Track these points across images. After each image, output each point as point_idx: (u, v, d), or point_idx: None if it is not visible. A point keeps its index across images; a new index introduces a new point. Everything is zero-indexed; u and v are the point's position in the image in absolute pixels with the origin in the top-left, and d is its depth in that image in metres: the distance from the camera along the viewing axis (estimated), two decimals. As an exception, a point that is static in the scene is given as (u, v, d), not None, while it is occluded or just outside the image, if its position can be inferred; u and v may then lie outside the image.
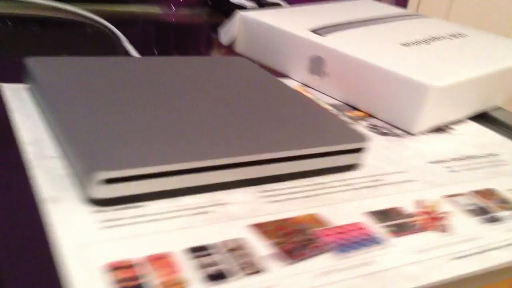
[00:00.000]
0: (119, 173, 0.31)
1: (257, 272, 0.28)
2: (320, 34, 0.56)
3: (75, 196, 0.32)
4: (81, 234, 0.29)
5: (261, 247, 0.30)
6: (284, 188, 0.36)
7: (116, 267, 0.27)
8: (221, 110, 0.41)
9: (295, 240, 0.31)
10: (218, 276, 0.27)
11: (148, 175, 0.32)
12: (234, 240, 0.30)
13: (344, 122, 0.41)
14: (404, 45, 0.55)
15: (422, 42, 0.56)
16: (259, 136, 0.38)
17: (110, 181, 0.31)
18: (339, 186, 0.38)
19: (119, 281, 0.26)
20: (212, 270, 0.28)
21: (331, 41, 0.54)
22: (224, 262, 0.28)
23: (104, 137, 0.35)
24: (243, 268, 0.28)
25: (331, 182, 0.38)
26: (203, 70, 0.49)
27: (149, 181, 0.32)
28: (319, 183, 0.37)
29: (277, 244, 0.31)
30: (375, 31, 0.59)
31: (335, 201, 0.36)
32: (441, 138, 0.48)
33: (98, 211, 0.31)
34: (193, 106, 0.40)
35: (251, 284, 0.27)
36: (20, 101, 0.44)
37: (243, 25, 0.63)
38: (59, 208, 0.31)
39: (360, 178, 0.39)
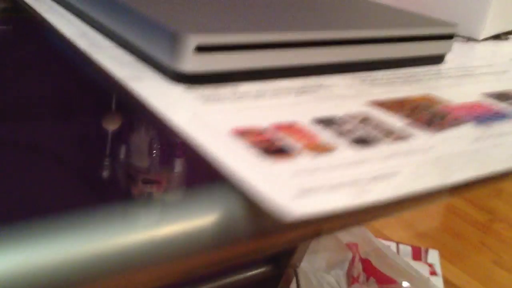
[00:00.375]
0: (211, 38, 0.25)
1: (404, 137, 0.23)
2: None
3: (157, 76, 0.27)
4: (186, 106, 0.23)
5: (393, 119, 0.25)
6: (381, 77, 0.31)
7: (244, 132, 0.22)
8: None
9: (427, 112, 0.27)
10: (364, 141, 0.22)
11: (240, 46, 0.26)
12: (360, 113, 0.25)
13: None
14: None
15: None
16: (353, 16, 0.33)
17: (201, 49, 0.25)
18: (437, 74, 0.33)
19: (255, 143, 0.21)
20: (354, 136, 0.23)
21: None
22: (361, 130, 0.23)
23: (183, 11, 0.29)
24: (387, 135, 0.23)
25: (426, 71, 0.34)
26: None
27: (240, 55, 0.27)
28: (414, 72, 0.33)
29: (409, 116, 0.26)
30: None
31: (442, 85, 0.31)
32: (506, 44, 0.45)
33: (190, 88, 0.26)
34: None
35: (404, 148, 0.22)
36: (46, 5, 0.37)
37: None
38: (145, 85, 0.25)
39: (453, 68, 0.35)
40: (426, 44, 0.34)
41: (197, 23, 0.27)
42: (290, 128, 0.23)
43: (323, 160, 0.20)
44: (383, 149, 0.22)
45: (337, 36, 0.29)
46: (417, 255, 1.34)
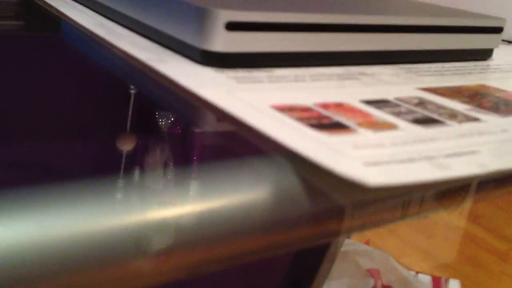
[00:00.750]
0: (244, 15, 0.22)
1: (471, 120, 0.20)
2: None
3: (182, 59, 0.24)
4: (219, 85, 0.20)
5: (453, 104, 0.22)
6: (427, 69, 0.28)
7: (288, 108, 0.19)
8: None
9: (489, 99, 0.23)
10: (427, 121, 0.19)
11: (275, 26, 0.23)
12: (414, 97, 0.22)
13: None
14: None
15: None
16: (398, 4, 0.30)
17: (232, 27, 0.22)
18: (487, 68, 0.30)
19: (302, 118, 0.18)
20: (415, 116, 0.20)
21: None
22: (420, 112, 0.20)
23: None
24: (450, 117, 0.20)
25: (474, 65, 0.30)
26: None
27: (275, 37, 0.24)
28: (462, 67, 0.30)
29: (469, 102, 0.23)
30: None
31: (495, 77, 0.28)
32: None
33: (220, 71, 0.23)
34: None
35: (476, 129, 0.19)
36: (63, 1, 0.35)
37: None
38: (172, 66, 0.22)
39: (502, 64, 0.32)
40: (475, 37, 0.31)
41: (227, 0, 0.24)
42: (339, 107, 0.20)
43: (386, 135, 0.17)
44: (452, 129, 0.19)
45: (381, 21, 0.26)
46: (438, 285, 1.28)
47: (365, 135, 0.17)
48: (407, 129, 0.18)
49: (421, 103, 0.22)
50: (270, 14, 0.23)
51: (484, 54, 0.32)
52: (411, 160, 0.15)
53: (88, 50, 0.28)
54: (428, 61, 0.30)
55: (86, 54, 0.25)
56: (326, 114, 0.19)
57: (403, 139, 0.17)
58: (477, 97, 0.24)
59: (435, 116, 0.20)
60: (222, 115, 0.18)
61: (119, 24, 0.30)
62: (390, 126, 0.18)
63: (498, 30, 0.32)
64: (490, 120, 0.20)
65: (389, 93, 0.22)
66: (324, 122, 0.18)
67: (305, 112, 0.18)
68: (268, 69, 0.24)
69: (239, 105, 0.18)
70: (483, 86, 0.26)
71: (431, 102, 0.22)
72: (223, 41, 0.23)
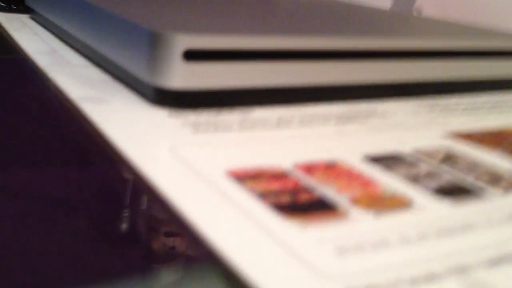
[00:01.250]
0: (207, 40, 0.17)
1: (522, 187, 0.14)
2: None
3: (134, 98, 0.18)
4: (164, 138, 0.15)
5: (492, 158, 0.16)
6: (455, 104, 0.22)
7: (260, 175, 0.13)
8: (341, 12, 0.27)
9: (541, 148, 0.17)
10: (456, 191, 0.13)
11: (250, 54, 0.18)
12: (439, 148, 0.16)
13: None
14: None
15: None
16: (413, 26, 0.24)
17: (192, 56, 0.17)
18: (532, 101, 0.24)
19: (271, 193, 0.12)
20: (439, 183, 0.14)
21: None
22: (448, 174, 0.14)
23: (168, 12, 0.21)
24: (492, 182, 0.14)
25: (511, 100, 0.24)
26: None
27: (252, 67, 0.18)
28: (500, 100, 0.24)
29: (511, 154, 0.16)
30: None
31: (544, 115, 0.22)
32: None
33: (176, 113, 0.17)
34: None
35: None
36: (22, 24, 0.30)
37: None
38: (110, 108, 0.17)
39: (551, 95, 0.26)
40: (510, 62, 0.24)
41: (187, 23, 0.19)
42: (330, 169, 0.14)
43: (394, 223, 0.11)
44: (495, 205, 0.13)
45: (395, 45, 0.21)
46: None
47: (360, 222, 0.11)
48: (427, 208, 0.12)
49: (449, 157, 0.16)
50: (244, 39, 0.17)
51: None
52: (432, 277, 0.09)
53: (33, 80, 0.23)
54: (457, 94, 0.24)
55: (31, 83, 0.20)
56: (307, 183, 0.13)
57: (420, 230, 0.11)
58: (525, 146, 0.18)
59: (469, 181, 0.14)
60: (146, 188, 0.12)
61: (76, 50, 0.24)
62: (403, 204, 0.12)
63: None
64: (548, 186, 0.14)
65: (405, 143, 0.16)
66: (300, 200, 0.12)
67: (277, 180, 0.13)
68: (244, 109, 0.18)
69: (176, 172, 0.12)
70: (530, 128, 0.20)
71: (463, 156, 0.16)
72: (181, 75, 0.17)
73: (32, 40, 0.26)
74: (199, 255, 0.10)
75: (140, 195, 0.12)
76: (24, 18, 0.32)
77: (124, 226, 0.12)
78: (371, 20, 0.26)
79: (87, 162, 0.15)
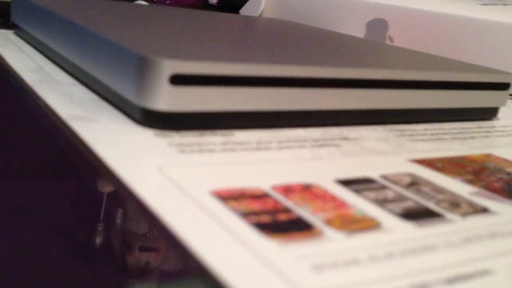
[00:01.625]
0: (192, 66, 0.18)
1: (479, 211, 0.15)
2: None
3: (121, 118, 0.19)
4: (151, 158, 0.16)
5: (454, 185, 0.17)
6: (422, 131, 0.24)
7: (234, 196, 0.14)
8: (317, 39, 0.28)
9: (500, 177, 0.19)
10: (419, 215, 0.14)
11: (232, 80, 0.19)
12: (405, 174, 0.18)
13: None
14: (483, 4, 0.44)
15: (498, 4, 0.46)
16: (386, 56, 0.26)
17: (179, 81, 0.18)
18: (492, 131, 0.26)
19: (253, 212, 0.13)
20: (404, 206, 0.15)
21: (394, 1, 0.44)
22: (411, 199, 0.15)
23: (157, 37, 0.22)
24: (452, 207, 0.15)
25: (477, 127, 0.26)
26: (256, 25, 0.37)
27: (234, 92, 0.19)
28: (463, 128, 0.25)
29: (474, 181, 0.18)
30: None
31: (503, 144, 0.23)
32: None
33: (162, 134, 0.18)
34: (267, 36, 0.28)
35: (487, 229, 0.14)
36: (7, 40, 0.31)
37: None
38: (99, 128, 0.18)
39: (510, 126, 0.27)
40: (478, 93, 0.26)
41: (174, 48, 0.20)
42: (306, 191, 0.15)
43: (363, 242, 0.12)
44: (455, 228, 0.14)
45: (368, 75, 0.22)
46: None
47: (334, 241, 0.12)
48: (393, 229, 0.13)
49: (414, 183, 0.17)
50: (227, 65, 0.19)
51: (488, 113, 0.28)
52: (396, 291, 0.10)
53: (19, 97, 0.24)
54: (424, 122, 0.25)
55: (18, 100, 0.20)
56: (285, 204, 0.14)
57: (387, 250, 0.12)
58: (484, 173, 0.19)
59: (431, 205, 0.15)
60: (137, 205, 0.13)
61: (63, 69, 0.25)
62: (371, 225, 0.13)
63: (505, 86, 0.27)
64: (503, 211, 0.16)
65: (374, 168, 0.18)
66: (280, 219, 0.13)
67: (258, 201, 0.14)
68: (226, 132, 0.19)
69: (165, 191, 0.13)
70: (489, 156, 0.21)
71: (426, 182, 0.17)
72: (168, 98, 0.18)
73: (18, 56, 0.26)
74: (173, 270, 0.11)
75: (115, 209, 0.13)
76: (9, 34, 0.32)
77: (98, 240, 0.12)
78: (347, 49, 0.27)
79: (62, 175, 0.15)
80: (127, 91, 0.19)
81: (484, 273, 0.12)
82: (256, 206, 0.13)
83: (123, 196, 0.14)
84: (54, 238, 0.11)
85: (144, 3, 0.48)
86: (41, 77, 0.23)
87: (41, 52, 0.28)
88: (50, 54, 0.27)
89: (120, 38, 0.20)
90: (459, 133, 0.24)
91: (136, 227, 0.12)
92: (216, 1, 0.71)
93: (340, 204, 0.14)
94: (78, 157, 0.16)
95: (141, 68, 0.18)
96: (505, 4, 0.47)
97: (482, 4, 0.45)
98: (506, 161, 0.21)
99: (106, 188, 0.14)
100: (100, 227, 0.12)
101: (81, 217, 0.13)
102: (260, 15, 0.53)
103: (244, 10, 0.55)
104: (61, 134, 0.17)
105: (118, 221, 0.13)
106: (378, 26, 0.44)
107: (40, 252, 0.11)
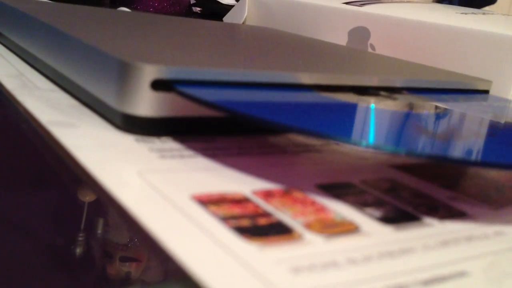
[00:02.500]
0: (175, 71, 0.18)
1: (456, 216, 0.16)
2: (357, 6, 0.46)
3: (101, 123, 0.19)
4: (130, 162, 0.16)
5: (431, 189, 0.18)
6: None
7: (214, 200, 0.14)
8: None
9: (474, 182, 0.19)
10: (398, 219, 0.15)
11: (215, 85, 0.19)
12: (384, 179, 0.18)
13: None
14: (463, 13, 0.45)
15: (477, 13, 0.47)
16: (363, 63, 0.26)
17: (160, 86, 0.18)
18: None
19: (232, 217, 0.13)
20: (383, 210, 0.15)
21: (375, 10, 0.44)
22: (390, 203, 0.16)
23: (139, 41, 0.22)
24: (430, 211, 0.16)
25: (456, 133, 0.26)
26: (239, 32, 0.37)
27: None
28: (442, 134, 0.26)
29: (451, 187, 0.18)
30: (419, 6, 0.49)
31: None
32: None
33: (143, 140, 0.18)
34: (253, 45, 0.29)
35: (463, 233, 0.15)
36: (-14, 44, 0.30)
37: (256, 7, 0.52)
38: (79, 133, 0.18)
39: (488, 132, 0.28)
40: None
41: (155, 53, 0.20)
42: (286, 195, 0.15)
43: (342, 245, 0.12)
44: (432, 231, 0.14)
45: (347, 81, 0.22)
46: None
47: (313, 245, 0.12)
48: (372, 233, 0.13)
49: (394, 188, 0.17)
50: (209, 71, 0.19)
51: (467, 120, 0.28)
52: (373, 292, 0.11)
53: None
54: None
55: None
56: (265, 208, 0.14)
57: (365, 253, 0.12)
58: (462, 178, 0.19)
59: (409, 210, 0.15)
60: (118, 210, 0.13)
61: (44, 75, 0.25)
62: (350, 229, 0.13)
63: (484, 93, 0.28)
64: (478, 215, 0.16)
65: (355, 173, 0.18)
66: (260, 223, 0.13)
67: (238, 205, 0.14)
68: (207, 137, 0.19)
69: (145, 196, 0.13)
70: (468, 162, 0.22)
71: (405, 187, 0.17)
72: (149, 103, 0.18)
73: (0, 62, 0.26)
74: (154, 281, 0.11)
75: (96, 219, 0.13)
76: (-11, 38, 0.32)
77: (79, 250, 0.11)
78: (329, 56, 0.27)
79: (42, 184, 0.15)
80: (107, 96, 0.19)
81: (460, 275, 0.12)
82: (236, 210, 0.13)
83: (104, 205, 0.14)
84: (34, 248, 0.11)
85: (127, 10, 0.48)
86: (21, 82, 0.23)
87: (22, 58, 0.28)
88: (31, 60, 0.26)
89: (101, 43, 0.20)
90: (438, 139, 0.25)
91: (117, 237, 0.12)
92: (199, 8, 0.71)
93: (320, 208, 0.14)
94: (58, 164, 0.16)
95: (122, 73, 0.18)
96: (484, 13, 0.47)
97: (462, 13, 0.46)
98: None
99: (87, 198, 0.14)
100: (81, 237, 0.12)
101: (62, 226, 0.12)
102: (243, 23, 0.53)
103: (228, 18, 0.55)
104: (41, 140, 0.17)
105: (99, 231, 0.13)
106: (360, 34, 0.45)
107: (19, 262, 0.11)
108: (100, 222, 0.13)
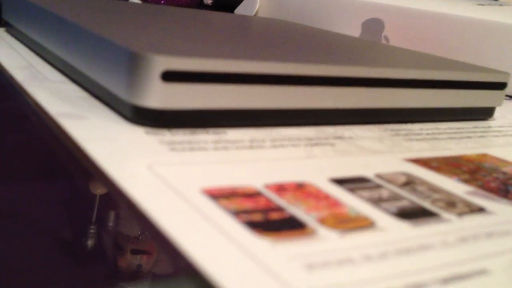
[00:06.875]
0: (186, 62, 0.18)
1: (475, 211, 0.15)
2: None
3: (111, 116, 0.19)
4: (141, 156, 0.15)
5: (449, 184, 0.17)
6: (418, 131, 0.23)
7: (226, 194, 0.13)
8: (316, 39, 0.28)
9: (495, 177, 0.18)
10: (414, 214, 0.14)
11: (226, 77, 0.19)
12: (400, 174, 0.17)
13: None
14: (479, 4, 0.44)
15: (494, 5, 0.46)
16: (383, 55, 0.25)
17: (171, 77, 0.18)
18: (488, 131, 0.25)
19: (241, 211, 0.13)
20: (398, 206, 0.15)
21: (390, 0, 0.44)
22: (406, 198, 0.15)
23: (149, 32, 0.22)
24: (447, 207, 0.15)
25: (473, 127, 0.26)
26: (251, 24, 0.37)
27: (227, 89, 0.19)
28: (459, 127, 0.25)
29: (470, 181, 0.18)
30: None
31: (498, 144, 0.23)
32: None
33: (153, 132, 0.18)
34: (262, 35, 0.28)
35: (483, 229, 0.14)
36: (-3, 36, 0.30)
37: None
38: (89, 125, 0.17)
39: (506, 126, 0.27)
40: (475, 93, 0.26)
41: (166, 44, 0.20)
42: (299, 189, 0.15)
43: (357, 242, 0.12)
44: (451, 227, 0.14)
45: (363, 74, 0.22)
46: None
47: (327, 240, 0.12)
48: (388, 229, 0.13)
49: (410, 182, 0.17)
50: (220, 62, 0.18)
51: (484, 113, 0.27)
52: (390, 291, 0.10)
53: (9, 94, 0.23)
54: (420, 121, 0.25)
55: (8, 97, 0.20)
56: (278, 203, 0.13)
57: (381, 249, 0.12)
58: (480, 172, 0.19)
59: (427, 205, 0.15)
60: (127, 204, 0.12)
61: (54, 66, 0.25)
62: (365, 224, 0.13)
63: (501, 86, 0.27)
64: (498, 211, 0.15)
65: (369, 167, 0.17)
66: (272, 218, 0.13)
67: (249, 199, 0.13)
68: (219, 130, 0.19)
69: (155, 189, 0.13)
70: (485, 156, 0.21)
71: (422, 182, 0.17)
72: (159, 95, 0.18)
73: (9, 54, 0.26)
74: (165, 274, 0.10)
75: (107, 211, 0.13)
76: (0, 31, 0.32)
77: (90, 242, 0.11)
78: (342, 47, 0.27)
79: (53, 177, 0.15)
80: (117, 88, 0.18)
81: (480, 273, 0.12)
82: (248, 204, 0.13)
83: (115, 197, 0.13)
84: (45, 240, 0.11)
85: (138, 1, 0.48)
86: (31, 74, 0.23)
87: (32, 50, 0.28)
88: (40, 51, 0.26)
89: (111, 34, 0.20)
90: (454, 133, 0.24)
91: (128, 230, 0.12)
92: (211, 1, 0.71)
93: (333, 203, 0.14)
94: (68, 156, 0.16)
95: (133, 64, 0.18)
96: (501, 5, 0.47)
97: (478, 4, 0.45)
98: (502, 160, 0.21)
99: (99, 190, 0.14)
100: (92, 229, 0.12)
101: (73, 219, 0.12)
102: (255, 15, 0.53)
103: (239, 10, 0.54)
104: (51, 132, 0.17)
105: (111, 223, 0.12)
106: (373, 25, 0.44)
107: (32, 254, 0.10)
108: (112, 214, 0.13)
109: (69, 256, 0.11)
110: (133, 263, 0.11)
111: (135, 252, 0.11)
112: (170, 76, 0.18)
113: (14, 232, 0.11)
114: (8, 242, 0.11)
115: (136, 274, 0.10)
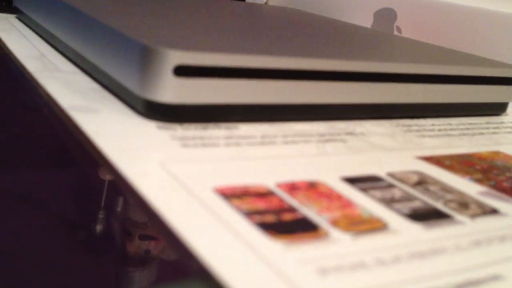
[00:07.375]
0: (198, 57, 0.18)
1: (488, 213, 0.15)
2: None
3: (123, 109, 0.19)
4: (153, 151, 0.15)
5: (462, 184, 0.17)
6: (430, 126, 0.23)
7: (237, 194, 0.13)
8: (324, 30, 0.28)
9: (506, 176, 0.18)
10: (427, 216, 0.14)
11: (238, 72, 0.19)
12: (412, 172, 0.17)
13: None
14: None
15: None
16: (395, 49, 0.25)
17: (183, 72, 0.18)
18: (501, 127, 0.25)
19: (256, 211, 0.13)
20: (411, 207, 0.14)
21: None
22: (419, 199, 0.15)
23: (161, 26, 0.22)
24: (460, 208, 0.15)
25: (485, 122, 0.25)
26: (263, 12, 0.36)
27: (239, 84, 0.19)
28: (471, 123, 0.25)
29: (481, 181, 0.18)
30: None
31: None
32: None
33: (165, 126, 0.18)
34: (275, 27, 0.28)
35: (497, 232, 0.14)
36: (9, 24, 0.30)
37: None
38: (101, 119, 0.17)
39: (519, 121, 0.27)
40: (488, 88, 0.26)
41: (178, 38, 0.20)
42: (311, 189, 0.14)
43: (370, 244, 0.12)
44: (464, 230, 0.14)
45: (375, 69, 0.21)
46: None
47: (340, 243, 0.12)
48: (400, 231, 0.13)
49: (422, 182, 0.16)
50: (233, 57, 0.18)
51: (497, 109, 0.27)
52: (404, 297, 0.10)
53: (21, 84, 0.23)
54: (432, 116, 0.25)
55: (21, 86, 0.20)
56: (290, 203, 0.13)
57: (394, 253, 0.12)
58: (493, 171, 0.19)
59: (439, 206, 0.15)
60: (139, 202, 0.12)
61: (66, 56, 0.25)
62: (378, 226, 0.13)
63: (514, 81, 0.27)
64: (511, 213, 0.15)
65: (381, 165, 0.17)
66: (285, 219, 0.13)
67: (262, 199, 0.13)
68: (230, 125, 0.19)
69: (166, 187, 0.13)
70: (498, 154, 0.21)
71: (434, 181, 0.17)
72: (171, 90, 0.18)
73: (20, 42, 0.26)
74: (174, 259, 0.10)
75: (116, 197, 0.13)
76: (11, 18, 0.32)
77: (98, 228, 0.12)
78: (354, 40, 0.27)
79: (63, 163, 0.15)
80: (130, 82, 0.18)
81: (494, 278, 0.11)
82: (260, 204, 0.13)
83: (126, 193, 0.13)
84: (55, 225, 0.11)
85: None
86: (43, 64, 0.23)
87: (43, 39, 0.28)
88: (52, 40, 0.26)
89: (124, 27, 0.20)
90: (467, 129, 0.24)
91: (136, 215, 0.12)
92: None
93: (346, 203, 0.14)
94: (79, 148, 0.16)
95: (145, 58, 0.17)
96: None
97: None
98: (515, 159, 0.21)
99: (108, 176, 0.14)
100: (101, 214, 0.12)
101: (82, 204, 0.12)
102: (266, 3, 0.53)
103: (250, -2, 0.54)
104: (62, 124, 0.17)
105: (119, 209, 0.13)
106: (385, 15, 0.44)
107: (41, 239, 0.11)
108: (120, 200, 0.13)
109: (77, 241, 0.11)
110: (141, 248, 0.11)
111: (143, 237, 0.11)
112: (182, 71, 0.17)
113: (23, 217, 0.11)
114: (18, 227, 0.11)
115: (144, 259, 0.10)
